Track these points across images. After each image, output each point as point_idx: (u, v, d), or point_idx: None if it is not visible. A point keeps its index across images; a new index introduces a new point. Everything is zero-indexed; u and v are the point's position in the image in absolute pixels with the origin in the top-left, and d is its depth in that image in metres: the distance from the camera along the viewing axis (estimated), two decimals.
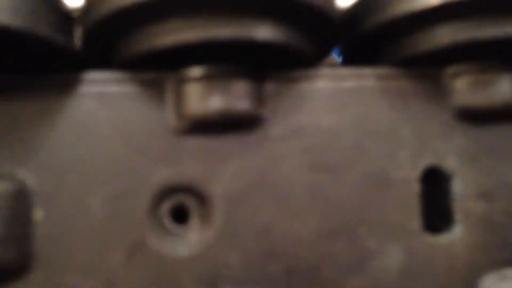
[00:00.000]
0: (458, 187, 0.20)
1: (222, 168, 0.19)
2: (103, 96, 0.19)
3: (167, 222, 0.19)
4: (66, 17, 0.18)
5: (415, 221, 0.20)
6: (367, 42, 0.21)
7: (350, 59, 0.22)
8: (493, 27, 0.19)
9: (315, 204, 0.19)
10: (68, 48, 0.18)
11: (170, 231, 0.19)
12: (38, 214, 0.18)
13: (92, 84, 0.19)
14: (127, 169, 0.18)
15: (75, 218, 0.18)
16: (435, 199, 0.20)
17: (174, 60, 0.19)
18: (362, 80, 0.20)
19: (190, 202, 0.19)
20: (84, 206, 0.18)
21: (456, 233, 0.20)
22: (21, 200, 0.18)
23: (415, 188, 0.20)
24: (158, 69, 0.19)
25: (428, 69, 0.20)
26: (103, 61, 0.19)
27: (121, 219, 0.18)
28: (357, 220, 0.19)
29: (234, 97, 0.19)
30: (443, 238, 0.20)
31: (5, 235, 0.17)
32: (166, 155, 0.19)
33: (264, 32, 0.18)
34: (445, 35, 0.19)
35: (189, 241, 0.19)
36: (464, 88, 0.20)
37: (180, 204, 0.19)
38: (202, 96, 0.19)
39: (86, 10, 0.18)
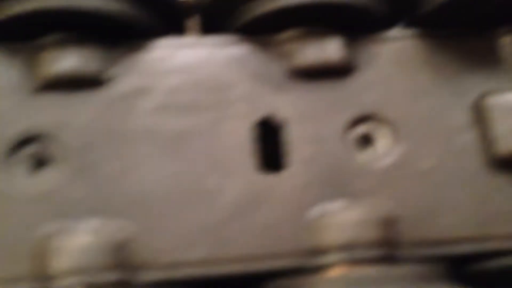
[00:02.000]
0: (290, 134, 0.22)
1: (74, 120, 0.21)
2: None
3: (24, 166, 0.21)
4: None
5: (251, 162, 0.22)
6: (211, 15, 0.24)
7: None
8: None
9: (160, 149, 0.22)
10: None
11: (26, 174, 0.21)
12: None
13: None
14: None
15: None
16: (270, 144, 0.23)
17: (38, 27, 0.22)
18: (200, 48, 0.23)
19: (46, 150, 0.21)
20: None
21: (287, 173, 0.22)
22: None
23: (251, 135, 0.22)
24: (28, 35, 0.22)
25: (264, 35, 0.23)
26: None
27: None
28: (199, 162, 0.22)
29: (82, 60, 0.22)
30: (276, 177, 0.22)
31: None
32: (23, 110, 0.21)
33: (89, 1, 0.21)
34: (269, 2, 0.23)
35: (43, 182, 0.21)
36: (294, 50, 0.23)
37: (39, 152, 0.21)
38: (54, 60, 0.22)
39: None
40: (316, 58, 0.23)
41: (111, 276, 0.20)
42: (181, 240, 0.21)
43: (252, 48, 0.23)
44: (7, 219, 0.20)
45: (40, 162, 0.21)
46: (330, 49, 0.23)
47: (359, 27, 0.24)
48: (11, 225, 0.20)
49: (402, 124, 0.23)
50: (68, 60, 0.22)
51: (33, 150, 0.21)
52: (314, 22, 0.23)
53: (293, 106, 0.23)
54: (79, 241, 0.20)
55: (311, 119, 0.23)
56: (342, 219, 0.21)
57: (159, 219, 0.21)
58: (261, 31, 0.23)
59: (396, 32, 0.24)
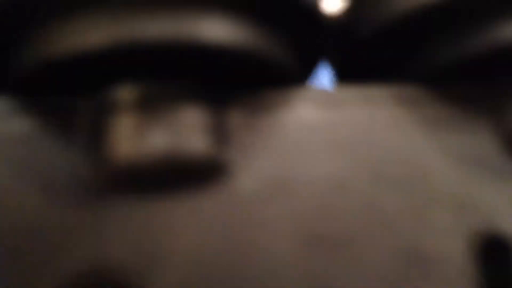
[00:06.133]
0: None
1: (169, 246, 0.12)
2: None
3: None
4: None
5: None
6: (373, 49, 0.15)
7: (346, 77, 0.16)
8: None
9: None
10: None
11: None
12: None
13: None
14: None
15: None
16: (498, 282, 0.13)
17: (95, 83, 0.13)
18: (373, 106, 0.14)
19: None
20: None
21: None
22: None
23: (466, 266, 0.13)
24: (68, 94, 0.13)
25: (471, 85, 0.14)
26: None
27: None
28: None
29: (183, 131, 0.12)
30: None
31: None
32: (77, 225, 0.12)
33: (213, 30, 0.12)
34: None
35: None
36: None
37: None
38: (135, 131, 0.12)
39: None
40: None
41: None
42: None
43: (453, 108, 0.14)
44: None
45: None
46: None
47: None
48: None
49: None
50: (158, 133, 0.12)
51: None
52: None
53: None
54: None
55: None
56: None
57: None
58: (455, 78, 0.14)
59: None
